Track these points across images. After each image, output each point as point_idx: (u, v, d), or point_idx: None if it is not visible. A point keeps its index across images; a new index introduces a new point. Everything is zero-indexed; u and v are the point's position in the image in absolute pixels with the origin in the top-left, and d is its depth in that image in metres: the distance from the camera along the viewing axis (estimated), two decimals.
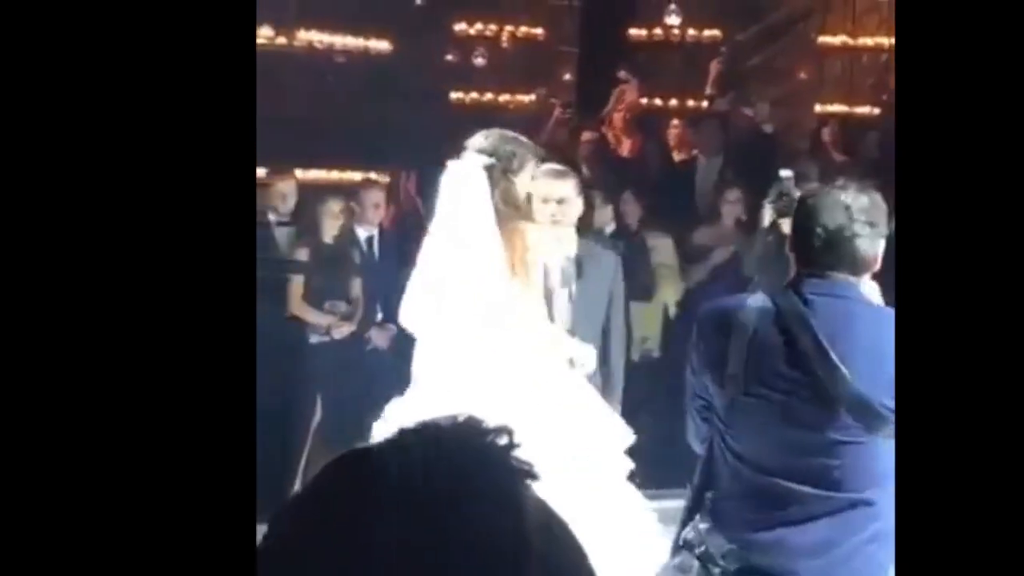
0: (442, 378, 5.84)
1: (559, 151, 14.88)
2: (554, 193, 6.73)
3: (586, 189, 11.03)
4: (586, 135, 14.96)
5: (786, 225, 9.48)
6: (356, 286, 9.95)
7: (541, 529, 1.60)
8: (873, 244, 4.53)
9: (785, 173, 9.70)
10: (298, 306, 9.73)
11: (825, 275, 4.59)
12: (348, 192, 10.62)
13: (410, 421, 1.65)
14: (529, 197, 6.17)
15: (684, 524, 4.72)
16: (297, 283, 9.75)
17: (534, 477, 1.64)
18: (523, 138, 6.35)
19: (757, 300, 4.63)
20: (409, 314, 6.11)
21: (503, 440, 1.64)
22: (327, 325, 9.69)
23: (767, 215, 9.69)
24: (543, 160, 6.49)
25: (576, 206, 6.89)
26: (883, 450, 4.12)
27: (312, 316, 9.66)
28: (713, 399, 4.58)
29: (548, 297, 6.49)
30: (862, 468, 4.35)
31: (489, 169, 5.96)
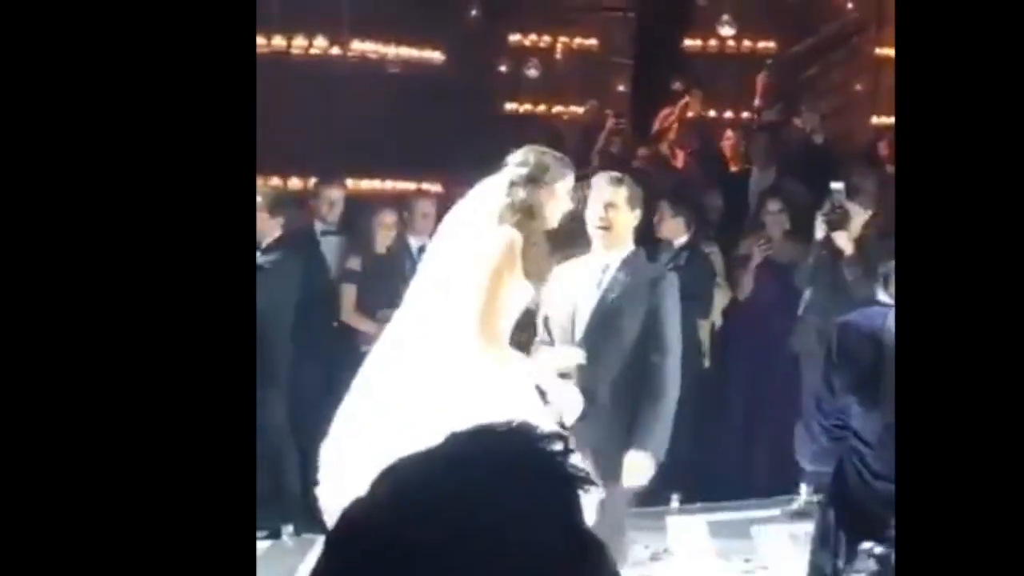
0: (391, 388, 5.86)
1: (613, 162, 14.88)
2: (602, 197, 6.74)
3: (642, 200, 11.04)
4: (642, 150, 14.96)
5: (839, 237, 9.48)
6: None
7: (590, 535, 1.58)
8: None
9: (836, 186, 9.64)
10: (350, 315, 9.74)
11: None
12: (400, 202, 10.63)
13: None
14: (551, 210, 6.21)
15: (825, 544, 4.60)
16: (349, 292, 9.76)
17: (590, 483, 1.61)
18: (560, 155, 6.43)
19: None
20: (401, 320, 6.19)
21: (558, 447, 1.62)
22: (379, 334, 9.68)
23: (819, 228, 9.65)
24: (587, 176, 6.54)
25: (625, 214, 6.86)
26: None
27: (364, 325, 9.67)
28: (856, 420, 4.46)
29: (559, 308, 6.60)
30: None
31: (514, 179, 6.07)
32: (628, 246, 6.88)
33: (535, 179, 6.10)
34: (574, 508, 1.59)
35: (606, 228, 6.71)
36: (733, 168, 14.36)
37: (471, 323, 5.97)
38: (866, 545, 5.30)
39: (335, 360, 9.13)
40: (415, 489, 1.57)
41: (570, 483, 1.60)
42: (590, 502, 6.15)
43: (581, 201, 6.49)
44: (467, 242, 6.08)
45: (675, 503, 10.04)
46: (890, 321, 4.28)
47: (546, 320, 6.73)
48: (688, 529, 9.52)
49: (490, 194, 6.14)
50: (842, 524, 4.56)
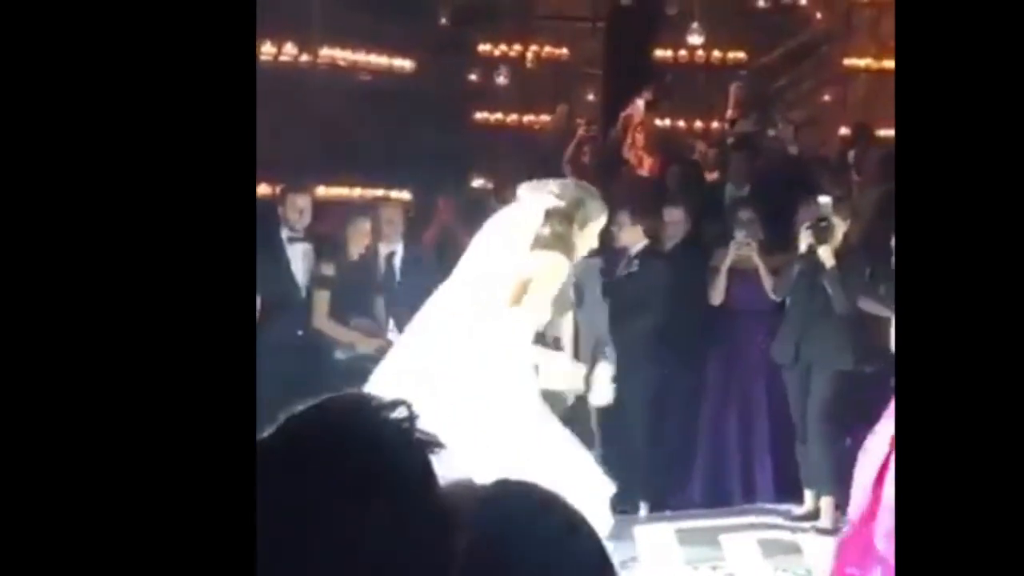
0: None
1: (583, 171, 14.88)
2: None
3: (610, 209, 11.05)
4: (612, 156, 14.98)
5: (822, 250, 9.50)
6: (379, 303, 9.94)
7: (451, 499, 1.58)
8: None
9: (823, 199, 9.67)
10: (323, 322, 9.71)
11: None
12: (369, 209, 10.61)
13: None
14: (581, 246, 6.38)
15: None
16: (322, 299, 9.72)
17: (439, 446, 1.60)
18: (598, 195, 6.59)
19: None
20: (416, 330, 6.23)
21: (402, 413, 1.60)
22: (352, 341, 9.65)
23: (803, 240, 9.66)
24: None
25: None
26: None
27: (337, 332, 9.63)
28: None
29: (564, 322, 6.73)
30: None
31: (551, 210, 6.19)
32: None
33: (571, 216, 6.21)
34: (428, 472, 1.58)
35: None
36: (709, 176, 14.33)
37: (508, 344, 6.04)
38: None
39: (305, 368, 9.10)
40: (262, 474, 1.56)
41: (420, 448, 1.59)
42: (602, 499, 6.19)
43: (567, 228, 6.61)
44: (506, 262, 6.15)
45: (643, 511, 10.04)
46: None
47: None
48: (656, 537, 9.51)
49: (521, 220, 6.23)
50: None
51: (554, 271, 6.19)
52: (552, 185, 6.37)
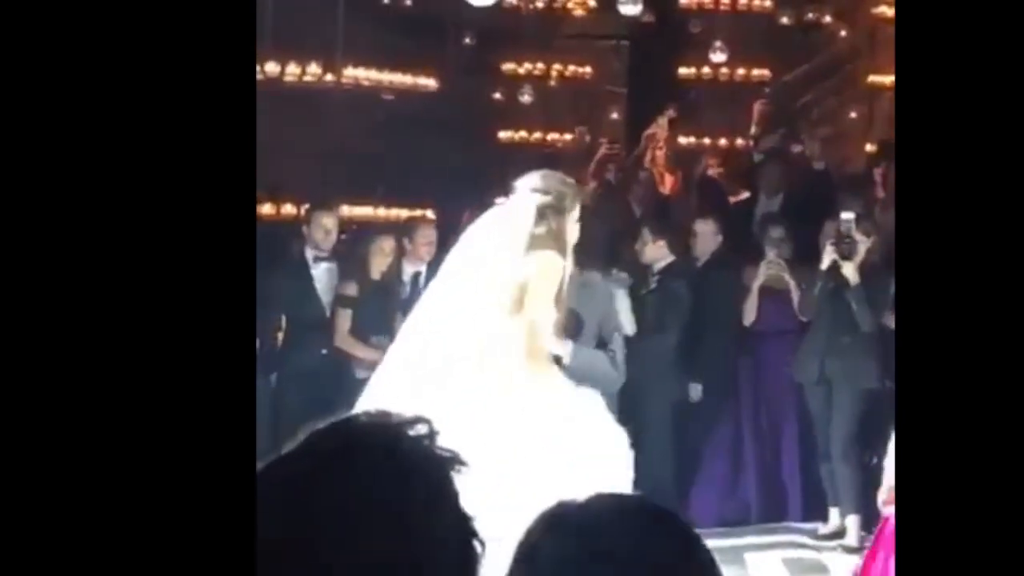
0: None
1: (607, 187, 14.89)
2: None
3: (633, 226, 11.05)
4: (635, 173, 14.99)
5: (847, 267, 9.46)
6: (400, 323, 9.93)
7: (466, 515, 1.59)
8: None
9: (846, 215, 9.61)
10: (344, 340, 9.71)
11: None
12: (396, 229, 10.61)
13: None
14: (570, 238, 6.32)
15: None
16: (344, 317, 9.73)
17: (461, 463, 1.59)
18: (573, 181, 6.57)
19: None
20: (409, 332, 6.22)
21: (423, 430, 1.60)
22: (373, 360, 9.64)
23: (827, 257, 9.61)
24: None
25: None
26: None
27: (358, 350, 9.63)
28: None
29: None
30: None
31: (542, 207, 6.06)
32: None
33: (559, 208, 6.17)
34: (448, 488, 1.57)
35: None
36: (742, 194, 14.26)
37: (518, 350, 6.01)
38: None
39: (327, 386, 9.11)
40: (284, 491, 1.55)
41: (441, 465, 1.58)
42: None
43: (560, 221, 6.50)
44: (501, 268, 6.11)
45: None
46: None
47: None
48: None
49: (515, 221, 6.18)
50: None
51: (551, 270, 6.13)
52: (536, 181, 6.30)
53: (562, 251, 6.21)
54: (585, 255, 7.61)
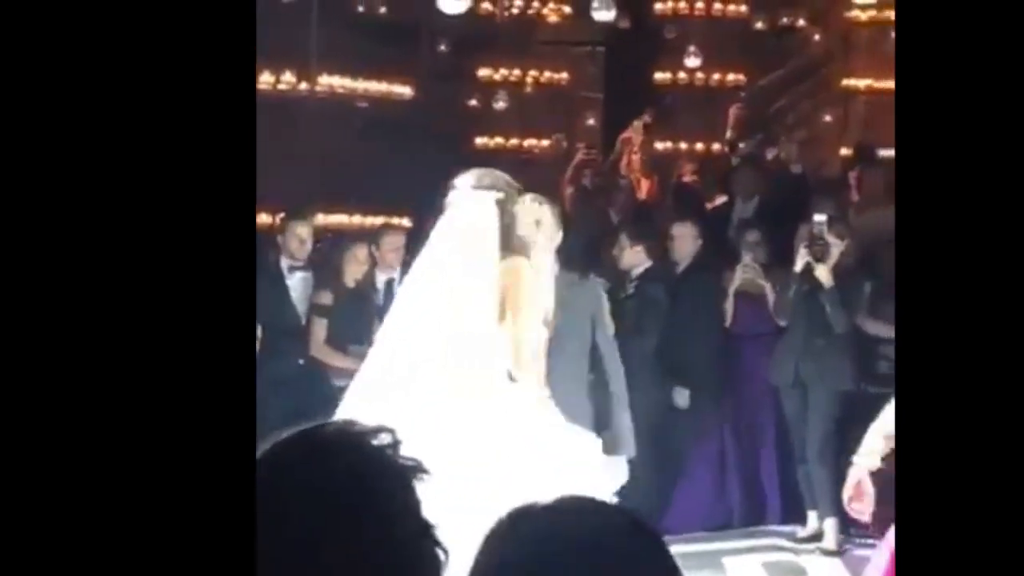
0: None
1: (584, 193, 14.89)
2: (531, 214, 6.84)
3: (613, 231, 11.04)
4: (611, 179, 14.99)
5: (820, 270, 9.46)
6: (377, 330, 9.91)
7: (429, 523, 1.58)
8: None
9: (819, 218, 9.60)
10: (320, 350, 9.69)
11: None
12: (370, 236, 10.59)
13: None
14: (524, 231, 6.33)
15: None
16: (320, 327, 9.71)
17: (423, 471, 1.59)
18: (507, 176, 6.47)
19: None
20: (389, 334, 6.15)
21: (386, 439, 1.60)
22: (351, 369, 9.62)
23: (800, 260, 9.60)
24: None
25: (552, 229, 7.07)
26: None
27: (334, 359, 9.61)
28: None
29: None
30: None
31: (499, 203, 6.06)
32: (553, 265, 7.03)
33: (512, 201, 6.16)
34: (411, 497, 1.57)
35: (534, 243, 6.77)
36: (718, 199, 14.27)
37: (505, 359, 6.00)
38: None
39: (305, 395, 9.08)
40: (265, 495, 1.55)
41: (402, 473, 1.58)
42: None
43: (511, 219, 6.38)
44: (475, 272, 6.05)
45: None
46: None
47: None
48: None
49: (481, 222, 6.11)
50: None
51: (521, 276, 6.09)
52: (482, 178, 6.21)
53: (524, 250, 6.20)
54: (564, 260, 7.62)
